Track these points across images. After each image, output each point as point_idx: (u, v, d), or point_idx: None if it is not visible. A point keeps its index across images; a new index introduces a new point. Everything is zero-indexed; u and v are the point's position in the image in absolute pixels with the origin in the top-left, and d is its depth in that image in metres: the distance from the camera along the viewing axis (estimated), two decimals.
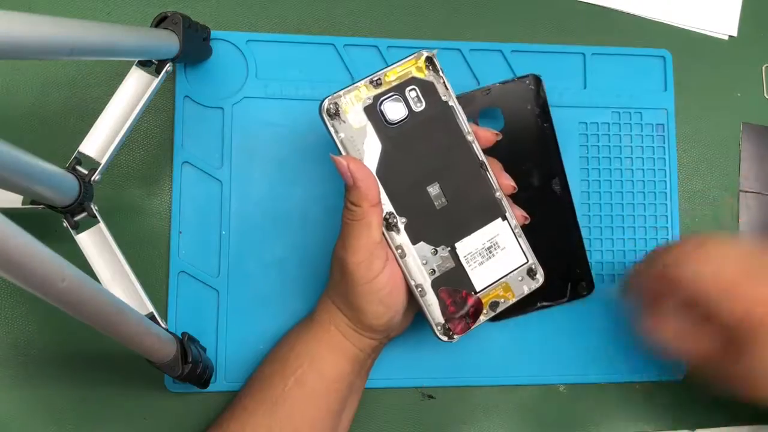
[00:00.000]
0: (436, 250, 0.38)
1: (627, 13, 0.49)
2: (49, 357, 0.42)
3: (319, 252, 0.44)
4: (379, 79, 0.38)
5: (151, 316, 0.37)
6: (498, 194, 0.39)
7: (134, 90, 0.39)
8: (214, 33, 0.45)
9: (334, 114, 0.37)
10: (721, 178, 0.49)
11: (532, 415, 0.45)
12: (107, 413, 0.42)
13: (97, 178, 0.37)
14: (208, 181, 0.44)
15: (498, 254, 0.39)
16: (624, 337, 0.45)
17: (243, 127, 0.45)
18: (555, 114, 0.46)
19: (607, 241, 0.46)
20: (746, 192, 0.49)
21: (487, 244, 0.39)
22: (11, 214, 0.23)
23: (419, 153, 0.38)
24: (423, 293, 0.38)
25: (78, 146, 0.38)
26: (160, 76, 0.39)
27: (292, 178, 0.45)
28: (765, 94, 0.50)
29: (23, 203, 0.38)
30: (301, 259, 0.44)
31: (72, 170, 0.37)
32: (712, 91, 0.49)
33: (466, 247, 0.39)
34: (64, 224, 0.37)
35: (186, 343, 0.38)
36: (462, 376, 0.43)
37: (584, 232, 0.46)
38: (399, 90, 0.38)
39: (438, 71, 0.39)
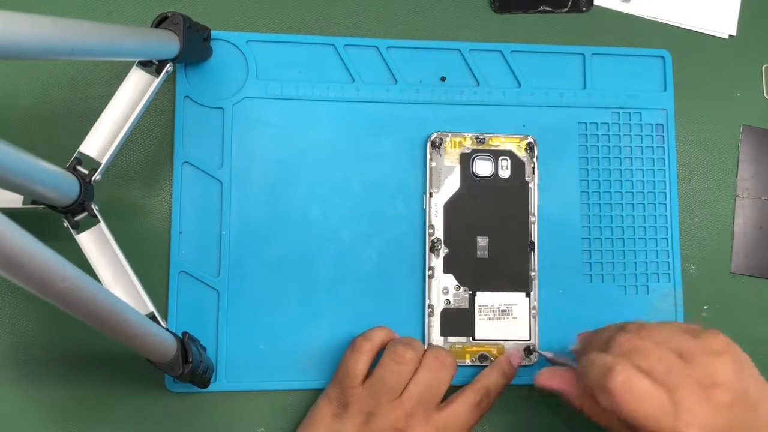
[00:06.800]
0: (459, 287, 0.44)
1: (627, 13, 0.49)
2: (50, 357, 0.42)
3: (319, 252, 0.44)
4: (484, 139, 0.45)
5: (152, 316, 0.37)
6: (533, 274, 0.44)
7: (134, 90, 0.39)
8: (214, 33, 0.45)
9: (437, 146, 0.45)
10: (720, 178, 0.49)
11: (532, 414, 0.45)
12: (107, 413, 0.42)
13: (97, 178, 0.37)
14: (208, 181, 0.44)
15: (508, 320, 0.44)
16: None
17: (243, 127, 0.45)
18: (555, 114, 0.47)
19: (606, 241, 0.46)
20: (743, 194, 0.49)
21: (503, 307, 0.44)
22: (11, 214, 0.23)
23: (485, 208, 0.45)
24: (431, 314, 0.44)
25: (78, 146, 0.38)
26: (161, 77, 0.39)
27: (292, 178, 0.45)
28: (765, 94, 0.50)
29: (24, 203, 0.38)
30: (301, 259, 0.44)
31: (72, 170, 0.37)
32: (711, 91, 0.49)
33: (484, 298, 0.44)
34: (65, 224, 0.37)
35: (186, 342, 0.38)
36: (462, 375, 0.43)
37: (583, 233, 0.46)
38: (494, 154, 0.45)
39: (533, 156, 0.45)
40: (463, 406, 0.40)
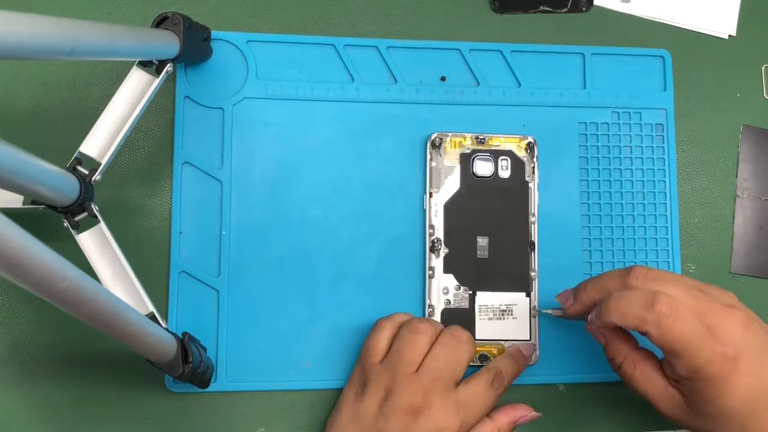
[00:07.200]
0: (459, 287, 0.44)
1: (626, 13, 0.49)
2: (49, 357, 0.42)
3: (319, 252, 0.44)
4: (485, 138, 0.45)
5: (152, 316, 0.37)
6: (533, 274, 0.44)
7: (135, 90, 0.39)
8: (214, 33, 0.45)
9: (437, 146, 0.44)
10: (720, 178, 0.49)
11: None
12: (107, 413, 0.42)
13: (97, 178, 0.37)
14: (208, 181, 0.44)
15: (508, 320, 0.44)
16: None
17: (243, 127, 0.45)
18: (555, 114, 0.47)
19: (606, 241, 0.46)
20: (743, 194, 0.49)
21: (503, 307, 0.44)
22: (12, 214, 0.23)
23: (485, 208, 0.45)
24: (432, 314, 0.44)
25: (79, 146, 0.38)
26: (161, 77, 0.39)
27: (292, 178, 0.45)
28: (765, 95, 0.50)
29: (24, 203, 0.38)
30: (301, 259, 0.44)
31: (72, 170, 0.37)
32: (711, 91, 0.49)
33: (484, 298, 0.44)
34: (65, 224, 0.37)
35: (186, 342, 0.38)
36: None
37: (583, 233, 0.46)
38: (494, 154, 0.45)
39: (533, 156, 0.45)
40: (478, 385, 0.40)
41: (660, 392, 0.37)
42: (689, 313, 0.34)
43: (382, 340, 0.41)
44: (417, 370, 0.39)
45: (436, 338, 0.40)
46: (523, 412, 0.42)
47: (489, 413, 0.41)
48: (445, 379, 0.39)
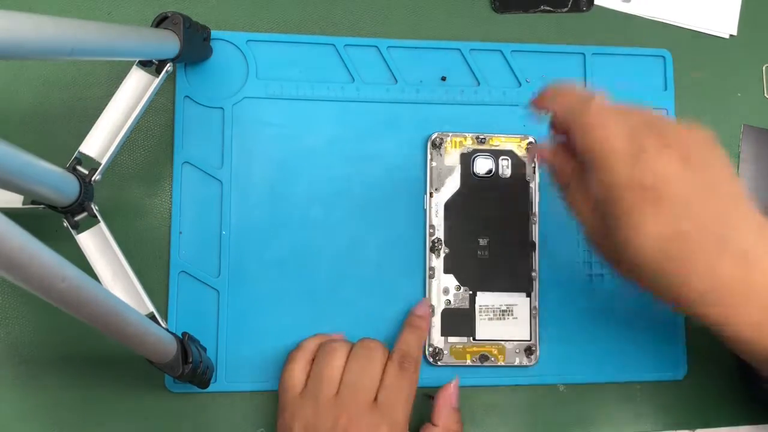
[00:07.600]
0: (460, 287, 0.44)
1: (627, 13, 0.49)
2: (49, 357, 0.42)
3: (319, 252, 0.44)
4: (485, 138, 0.45)
5: (152, 316, 0.37)
6: (534, 274, 0.44)
7: (135, 90, 0.39)
8: (214, 33, 0.45)
9: (437, 146, 0.44)
10: None
11: (532, 415, 0.45)
12: (107, 413, 0.42)
13: (97, 178, 0.37)
14: (208, 181, 0.44)
15: (508, 320, 0.44)
16: (624, 337, 0.45)
17: (243, 127, 0.45)
18: None
19: None
20: None
21: (503, 307, 0.44)
22: (11, 214, 0.23)
23: (485, 207, 0.45)
24: (432, 314, 0.44)
25: (78, 146, 0.38)
26: (161, 76, 0.39)
27: (292, 178, 0.45)
28: (765, 94, 0.50)
29: (23, 203, 0.38)
30: (301, 259, 0.44)
31: (72, 170, 0.37)
32: (712, 91, 0.49)
33: (485, 298, 0.44)
34: (65, 224, 0.37)
35: (186, 342, 0.38)
36: (462, 376, 0.43)
37: None
38: (495, 154, 0.45)
39: (534, 156, 0.45)
40: (390, 377, 0.39)
41: (588, 213, 0.35)
42: (618, 127, 0.32)
43: (296, 370, 0.40)
44: (337, 392, 0.38)
45: (349, 353, 0.40)
46: (450, 390, 0.41)
47: (433, 420, 0.41)
48: (366, 391, 0.39)
